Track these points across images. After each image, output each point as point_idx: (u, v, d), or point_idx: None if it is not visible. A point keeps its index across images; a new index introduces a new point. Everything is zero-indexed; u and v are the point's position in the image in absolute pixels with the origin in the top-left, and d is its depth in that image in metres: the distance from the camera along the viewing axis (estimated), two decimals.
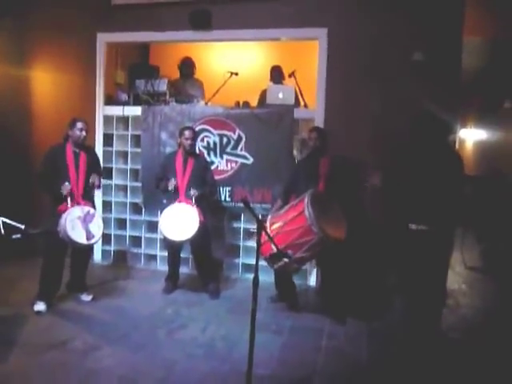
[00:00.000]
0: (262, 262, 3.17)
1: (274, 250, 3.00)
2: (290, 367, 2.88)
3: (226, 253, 4.74)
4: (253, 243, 4.51)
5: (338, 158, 3.76)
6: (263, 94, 4.89)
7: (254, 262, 2.32)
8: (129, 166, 4.97)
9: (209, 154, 4.66)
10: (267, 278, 3.91)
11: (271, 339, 3.24)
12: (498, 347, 3.22)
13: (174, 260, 4.24)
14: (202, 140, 4.67)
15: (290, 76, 4.88)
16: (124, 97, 4.94)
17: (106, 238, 4.80)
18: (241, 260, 4.70)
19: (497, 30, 4.90)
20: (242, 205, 4.31)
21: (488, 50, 5.71)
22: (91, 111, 4.89)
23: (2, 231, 3.00)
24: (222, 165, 4.64)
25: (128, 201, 5.01)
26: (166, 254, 4.42)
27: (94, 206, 3.75)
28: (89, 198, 3.72)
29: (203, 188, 3.99)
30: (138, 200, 4.93)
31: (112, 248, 5.04)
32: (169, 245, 4.11)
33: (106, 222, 4.07)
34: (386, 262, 3.96)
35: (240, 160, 4.60)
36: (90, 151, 3.85)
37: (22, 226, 3.09)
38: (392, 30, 4.16)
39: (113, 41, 5.00)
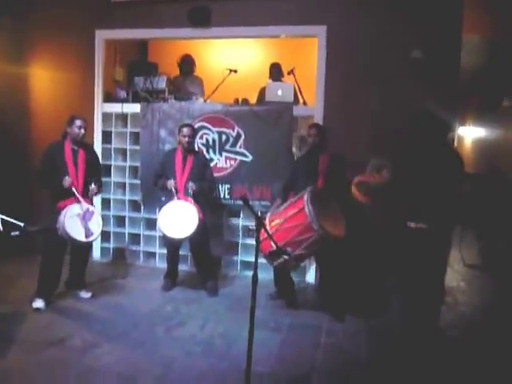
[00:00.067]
0: (261, 260, 3.16)
1: (274, 247, 3.00)
2: (289, 364, 2.89)
3: (224, 250, 4.74)
4: (252, 240, 4.51)
5: (337, 156, 3.75)
6: (262, 92, 4.87)
7: (252, 259, 2.32)
8: (128, 164, 4.97)
9: (208, 152, 4.65)
10: (266, 275, 3.91)
11: (270, 336, 3.24)
12: (496, 345, 3.22)
13: (173, 257, 4.24)
14: (201, 137, 4.66)
15: (289, 73, 4.87)
16: (123, 94, 4.93)
17: (104, 236, 4.80)
18: (239, 257, 4.70)
19: (495, 29, 4.90)
20: (240, 202, 4.32)
21: (487, 49, 5.71)
22: (90, 108, 4.88)
23: (1, 228, 2.99)
24: (220, 162, 4.64)
25: (127, 198, 5.00)
26: (165, 251, 4.42)
27: (92, 204, 3.75)
28: (87, 196, 3.70)
29: (202, 183, 3.99)
30: (137, 197, 4.93)
31: (111, 245, 5.05)
32: (168, 242, 4.10)
33: (104, 219, 4.06)
34: (385, 259, 3.96)
35: (239, 157, 4.59)
36: (89, 149, 3.85)
37: (21, 224, 3.09)
38: (391, 29, 4.16)
39: (111, 38, 4.98)
